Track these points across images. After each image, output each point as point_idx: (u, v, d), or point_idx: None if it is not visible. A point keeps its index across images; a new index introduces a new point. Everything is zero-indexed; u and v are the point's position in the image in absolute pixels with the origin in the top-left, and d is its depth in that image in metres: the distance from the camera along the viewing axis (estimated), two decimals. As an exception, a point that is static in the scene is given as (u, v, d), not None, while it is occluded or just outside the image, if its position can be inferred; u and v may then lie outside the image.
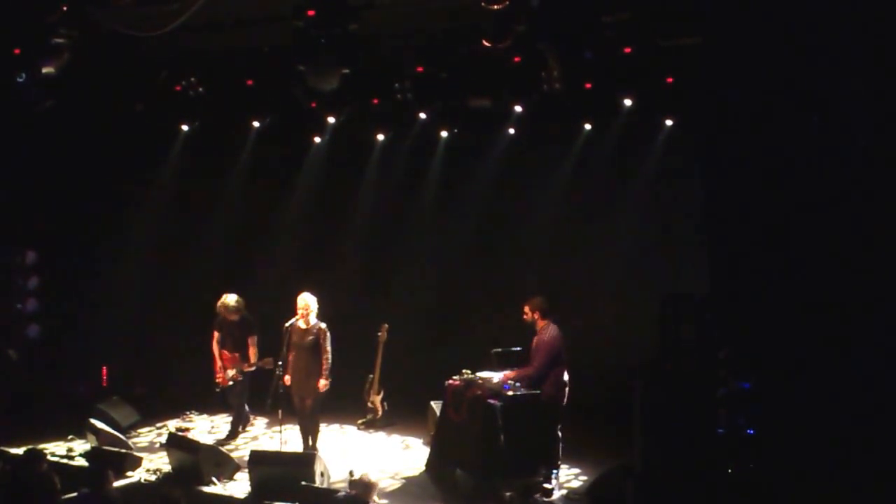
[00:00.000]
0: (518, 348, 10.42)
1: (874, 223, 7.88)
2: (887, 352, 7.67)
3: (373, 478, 8.04)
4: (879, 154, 7.80)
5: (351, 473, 8.74)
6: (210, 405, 12.83)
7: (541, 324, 9.83)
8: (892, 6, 7.68)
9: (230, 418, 11.94)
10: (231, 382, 11.43)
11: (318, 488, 9.00)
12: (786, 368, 8.20)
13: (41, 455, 8.47)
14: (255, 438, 11.85)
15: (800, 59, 7.98)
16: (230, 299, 11.37)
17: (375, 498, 8.13)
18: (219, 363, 11.47)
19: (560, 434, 9.85)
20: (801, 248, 8.20)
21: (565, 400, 9.80)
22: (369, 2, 9.01)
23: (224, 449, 10.58)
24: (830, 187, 8.04)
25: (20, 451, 9.19)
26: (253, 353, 11.31)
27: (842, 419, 7.81)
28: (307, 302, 10.42)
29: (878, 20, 7.65)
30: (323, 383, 10.42)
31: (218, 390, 11.67)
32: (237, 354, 11.38)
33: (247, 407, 11.80)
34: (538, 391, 9.71)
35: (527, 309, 9.91)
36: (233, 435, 11.62)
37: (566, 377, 9.78)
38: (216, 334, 11.54)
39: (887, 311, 7.72)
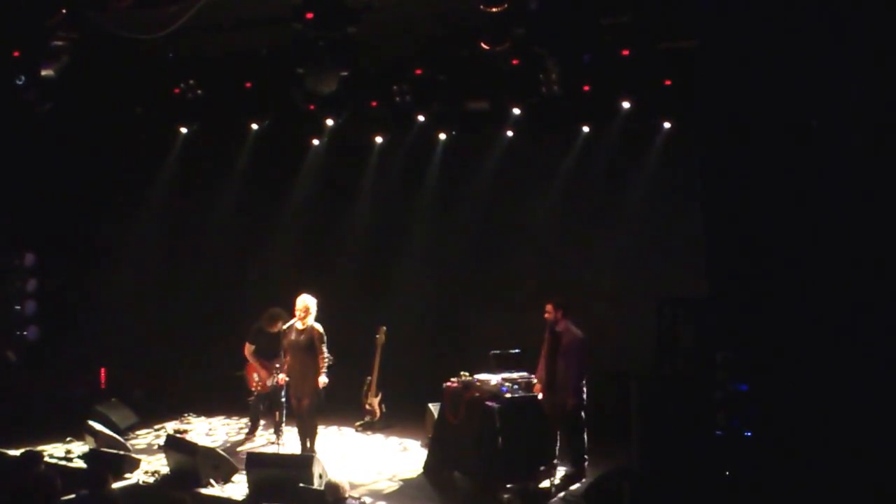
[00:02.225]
0: (516, 350, 10.42)
1: (873, 225, 7.88)
2: (886, 353, 7.68)
3: (341, 480, 8.11)
4: (878, 155, 7.81)
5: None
6: (209, 408, 12.87)
7: (563, 323, 9.81)
8: (892, 6, 7.69)
9: (242, 422, 12.01)
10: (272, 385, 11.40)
11: (316, 490, 8.99)
12: (784, 370, 8.20)
13: (38, 456, 8.47)
14: (251, 440, 11.86)
15: (798, 61, 7.99)
16: (279, 311, 11.34)
17: (351, 495, 8.18)
18: (262, 372, 11.38)
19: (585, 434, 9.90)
20: (800, 251, 8.21)
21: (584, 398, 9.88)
22: (368, 4, 9.02)
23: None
24: (829, 189, 8.05)
25: (19, 452, 9.18)
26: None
27: (840, 421, 7.81)
28: (306, 303, 10.41)
29: (877, 21, 7.66)
30: (323, 380, 10.41)
31: (252, 398, 11.63)
32: (275, 361, 11.36)
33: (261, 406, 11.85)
34: (537, 394, 9.72)
35: (551, 307, 9.81)
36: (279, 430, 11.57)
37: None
38: (251, 346, 11.45)
39: (886, 312, 7.73)
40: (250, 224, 14.22)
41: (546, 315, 9.88)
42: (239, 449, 11.35)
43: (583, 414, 9.82)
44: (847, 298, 7.95)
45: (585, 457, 9.95)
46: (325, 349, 10.40)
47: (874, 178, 7.89)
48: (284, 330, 10.50)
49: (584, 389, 9.82)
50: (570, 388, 9.66)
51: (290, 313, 10.54)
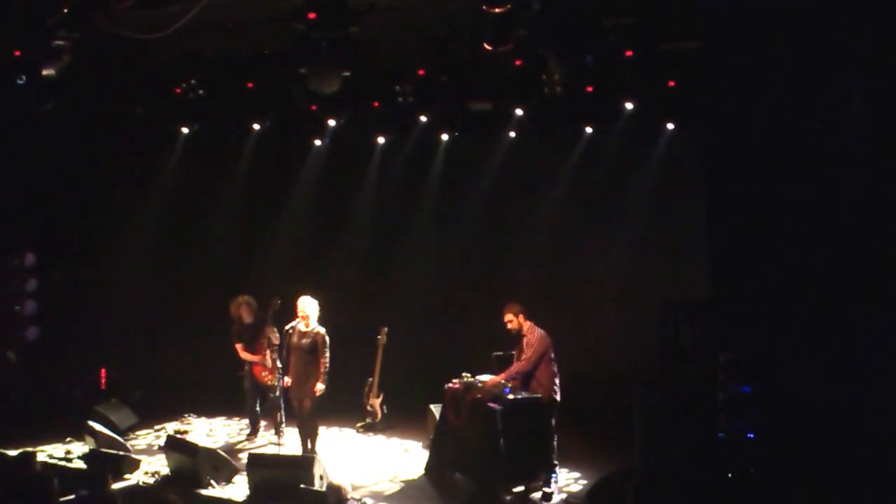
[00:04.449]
0: (515, 351, 10.41)
1: (875, 226, 7.87)
2: (889, 355, 7.66)
3: (342, 481, 8.10)
4: (881, 157, 7.80)
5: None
6: (209, 408, 12.86)
7: (526, 325, 9.85)
8: (893, 7, 7.68)
9: (243, 423, 12.03)
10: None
11: (317, 491, 8.97)
12: (786, 372, 8.19)
13: (32, 457, 8.42)
14: (252, 440, 11.83)
15: (801, 62, 7.98)
16: (244, 298, 11.52)
17: (352, 497, 8.17)
18: (255, 358, 11.38)
19: (555, 434, 9.84)
20: (803, 252, 8.19)
21: (559, 397, 9.84)
22: (370, 5, 8.99)
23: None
24: (832, 191, 8.04)
25: (17, 453, 9.16)
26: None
27: (843, 423, 7.80)
28: (306, 305, 10.42)
29: (880, 22, 7.65)
30: (319, 387, 10.39)
31: (274, 395, 11.53)
32: (260, 352, 11.37)
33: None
34: (539, 394, 9.70)
35: (510, 316, 9.86)
36: (280, 431, 11.46)
37: (557, 376, 9.84)
38: (239, 344, 11.52)
39: (888, 313, 7.71)
40: (252, 224, 14.21)
41: (509, 325, 9.89)
42: (239, 446, 11.35)
43: (553, 421, 9.79)
44: (849, 300, 7.94)
45: (555, 462, 9.88)
46: (327, 355, 10.38)
47: (877, 181, 7.88)
48: (287, 331, 10.50)
49: (558, 390, 9.81)
50: (544, 379, 9.68)
51: (291, 314, 10.57)
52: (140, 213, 14.08)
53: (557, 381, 9.83)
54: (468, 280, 13.39)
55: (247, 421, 12.10)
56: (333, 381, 10.61)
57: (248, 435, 11.91)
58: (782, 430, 8.21)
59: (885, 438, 7.71)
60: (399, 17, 9.82)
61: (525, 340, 9.86)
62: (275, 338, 10.97)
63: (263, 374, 11.31)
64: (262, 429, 11.91)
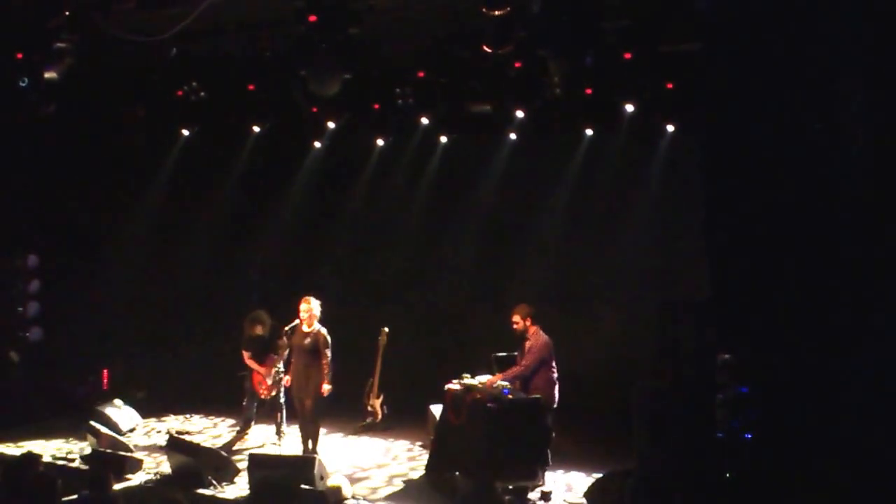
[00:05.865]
0: (517, 353, 10.45)
1: (876, 228, 7.88)
2: (888, 356, 7.67)
3: (342, 481, 8.11)
4: (881, 158, 7.81)
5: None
6: (210, 408, 12.89)
7: (532, 329, 9.94)
8: (893, 7, 7.69)
9: (239, 423, 11.96)
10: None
11: (318, 491, 9.00)
12: (785, 373, 8.20)
13: (37, 458, 8.46)
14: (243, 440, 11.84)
15: (801, 64, 7.99)
16: (258, 314, 11.47)
17: (353, 496, 8.20)
18: (262, 372, 11.34)
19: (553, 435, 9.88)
20: (802, 254, 8.20)
21: (556, 402, 9.90)
22: (370, 7, 9.03)
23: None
24: (832, 193, 8.04)
25: (19, 453, 9.20)
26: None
27: (842, 424, 7.80)
28: (310, 306, 10.45)
29: (880, 22, 7.66)
30: (326, 388, 10.42)
31: (245, 402, 11.65)
32: (268, 361, 11.36)
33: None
34: (538, 395, 9.74)
35: (517, 318, 9.97)
36: (280, 431, 11.41)
37: (556, 384, 9.92)
38: (246, 353, 11.45)
39: (888, 315, 7.72)
40: (252, 226, 14.24)
41: (515, 326, 9.99)
42: (239, 447, 11.37)
43: (549, 418, 9.82)
44: (848, 301, 7.94)
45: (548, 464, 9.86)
46: (329, 354, 10.41)
47: (876, 182, 7.89)
48: (288, 331, 10.53)
49: (556, 395, 9.87)
50: (542, 382, 9.77)
51: (291, 314, 10.59)
52: (141, 215, 14.11)
53: (556, 388, 9.88)
54: (468, 281, 13.41)
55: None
56: (335, 382, 10.64)
57: (238, 432, 11.82)
58: (780, 431, 8.22)
59: (885, 438, 7.71)
60: (399, 18, 9.84)
61: (528, 344, 9.93)
62: (283, 354, 10.97)
63: (262, 386, 11.28)
64: (251, 429, 11.86)
